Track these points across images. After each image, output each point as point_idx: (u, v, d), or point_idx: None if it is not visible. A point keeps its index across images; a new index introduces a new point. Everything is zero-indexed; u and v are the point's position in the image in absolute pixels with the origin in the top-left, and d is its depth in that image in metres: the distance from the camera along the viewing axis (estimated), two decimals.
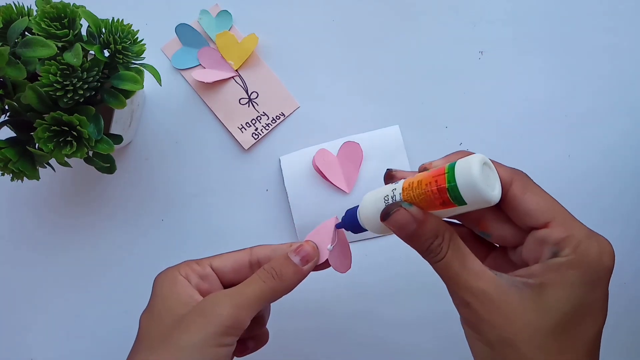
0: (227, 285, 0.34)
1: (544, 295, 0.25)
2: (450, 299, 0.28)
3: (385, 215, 0.27)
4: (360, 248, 0.45)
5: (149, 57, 0.39)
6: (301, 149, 0.46)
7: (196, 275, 0.33)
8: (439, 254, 0.27)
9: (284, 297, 0.46)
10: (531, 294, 0.25)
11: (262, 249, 0.35)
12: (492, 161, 0.27)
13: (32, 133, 0.35)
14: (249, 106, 0.46)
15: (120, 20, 0.36)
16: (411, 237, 0.27)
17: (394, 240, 0.44)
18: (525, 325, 0.25)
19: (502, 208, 0.28)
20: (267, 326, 0.41)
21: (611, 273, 0.26)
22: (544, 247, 0.26)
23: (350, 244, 0.44)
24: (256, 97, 0.46)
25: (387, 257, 0.45)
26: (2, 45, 0.33)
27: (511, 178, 0.27)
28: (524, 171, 0.28)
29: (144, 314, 0.32)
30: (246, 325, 0.31)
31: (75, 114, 0.34)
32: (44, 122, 0.34)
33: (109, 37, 0.35)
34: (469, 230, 0.31)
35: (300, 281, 0.33)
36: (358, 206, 0.31)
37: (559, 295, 0.25)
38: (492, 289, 0.26)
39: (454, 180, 0.25)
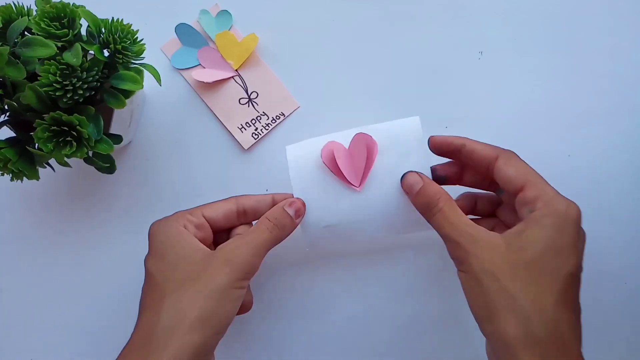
0: (216, 231, 0.39)
1: (522, 237, 0.31)
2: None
3: (402, 178, 0.38)
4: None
5: (148, 57, 0.39)
6: (309, 138, 0.41)
7: (192, 225, 0.37)
8: (436, 207, 0.34)
9: (282, 298, 0.46)
10: (512, 236, 0.32)
11: (246, 199, 0.39)
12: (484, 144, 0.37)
13: (31, 133, 0.35)
14: (248, 106, 0.46)
15: (119, 20, 0.36)
16: (417, 195, 0.36)
17: (395, 240, 0.45)
18: (506, 259, 0.31)
19: (494, 178, 0.35)
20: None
21: (577, 224, 0.32)
22: (523, 208, 0.33)
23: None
24: (256, 97, 0.46)
25: (388, 257, 0.45)
26: (1, 45, 0.33)
27: (497, 154, 0.35)
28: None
29: (153, 261, 0.36)
30: (257, 270, 0.36)
31: (75, 114, 0.34)
32: (43, 122, 0.34)
33: (109, 36, 0.35)
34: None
35: (291, 233, 0.38)
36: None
37: (534, 236, 0.31)
38: (480, 232, 0.32)
39: None
